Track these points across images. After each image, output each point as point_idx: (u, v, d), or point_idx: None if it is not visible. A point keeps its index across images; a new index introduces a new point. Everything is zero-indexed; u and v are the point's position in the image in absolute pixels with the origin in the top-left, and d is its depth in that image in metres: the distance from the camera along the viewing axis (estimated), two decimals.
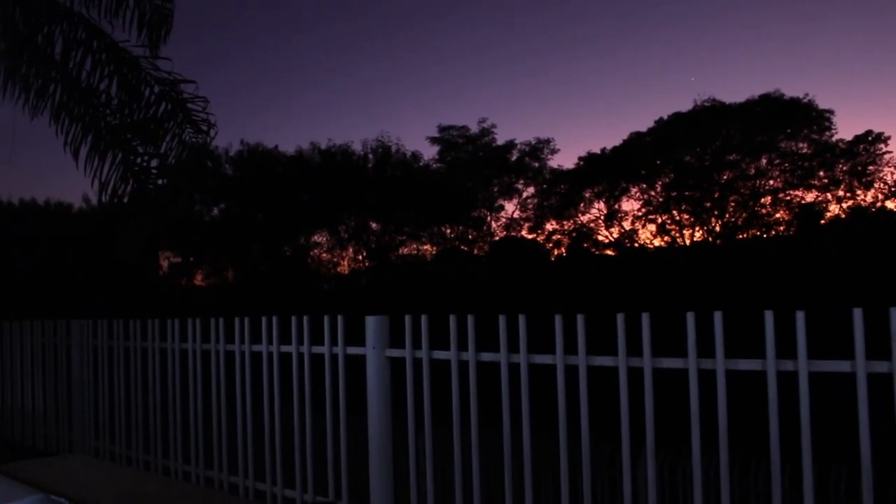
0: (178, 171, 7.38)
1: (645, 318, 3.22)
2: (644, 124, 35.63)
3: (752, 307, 3.46)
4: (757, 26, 40.90)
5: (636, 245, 32.69)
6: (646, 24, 43.43)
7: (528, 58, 46.85)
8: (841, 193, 28.94)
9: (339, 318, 4.51)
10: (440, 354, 4.00)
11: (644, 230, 32.67)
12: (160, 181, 7.32)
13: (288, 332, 4.79)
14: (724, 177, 30.32)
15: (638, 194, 32.21)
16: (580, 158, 33.13)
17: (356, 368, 4.40)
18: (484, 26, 46.55)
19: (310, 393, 4.66)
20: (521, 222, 35.00)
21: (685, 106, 32.27)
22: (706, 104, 30.12)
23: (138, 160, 7.18)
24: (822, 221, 29.28)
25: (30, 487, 2.06)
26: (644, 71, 44.57)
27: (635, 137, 31.61)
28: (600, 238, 33.71)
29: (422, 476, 4.08)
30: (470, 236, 34.96)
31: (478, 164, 34.07)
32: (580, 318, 3.40)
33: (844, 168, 28.60)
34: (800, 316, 2.86)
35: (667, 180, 31.19)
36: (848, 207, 28.87)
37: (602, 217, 33.15)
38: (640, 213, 32.35)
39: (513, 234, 34.80)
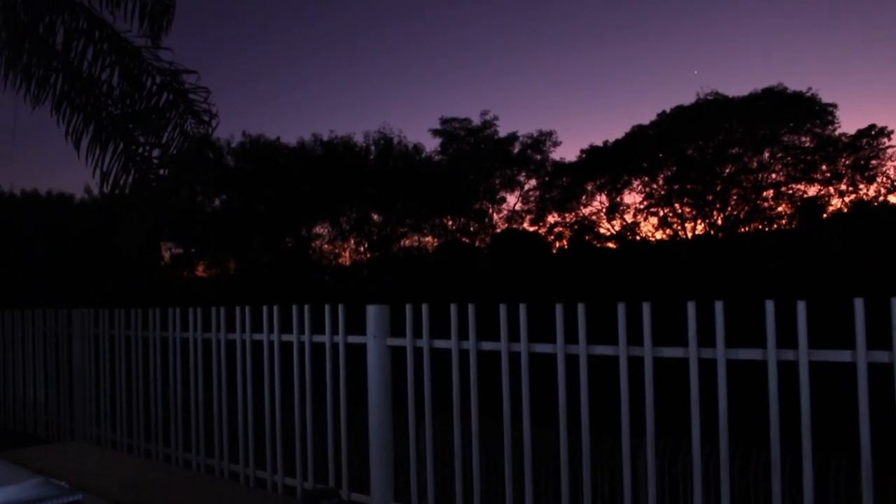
0: (179, 161, 7.37)
1: (646, 308, 3.22)
2: (647, 117, 35.61)
3: (754, 300, 3.45)
4: (760, 20, 40.79)
5: (638, 238, 32.68)
6: (649, 16, 43.32)
7: (530, 50, 46.78)
8: (843, 187, 28.91)
9: (340, 306, 4.51)
10: (441, 343, 4.00)
11: (646, 223, 32.67)
12: (162, 171, 7.31)
13: (289, 322, 4.79)
14: (727, 170, 30.29)
15: (640, 187, 32.20)
16: (582, 151, 33.10)
17: (357, 358, 4.41)
18: (486, 18, 46.48)
19: (311, 382, 4.67)
20: (523, 215, 35.01)
21: (688, 99, 32.21)
22: (709, 97, 30.07)
23: (140, 150, 7.17)
24: (825, 215, 29.25)
25: (30, 471, 2.06)
26: (647, 64, 44.52)
27: (638, 130, 31.56)
28: (602, 231, 33.72)
29: (422, 465, 4.09)
30: (472, 228, 34.97)
31: (480, 156, 34.03)
32: (581, 307, 3.40)
33: (847, 162, 28.55)
34: (801, 305, 2.86)
35: (669, 173, 31.16)
36: (850, 201, 28.84)
37: (604, 210, 33.14)
38: (641, 206, 32.34)
39: (514, 226, 34.80)
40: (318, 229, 34.94)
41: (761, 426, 3.06)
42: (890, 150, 27.79)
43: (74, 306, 6.87)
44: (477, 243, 34.89)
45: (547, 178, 34.21)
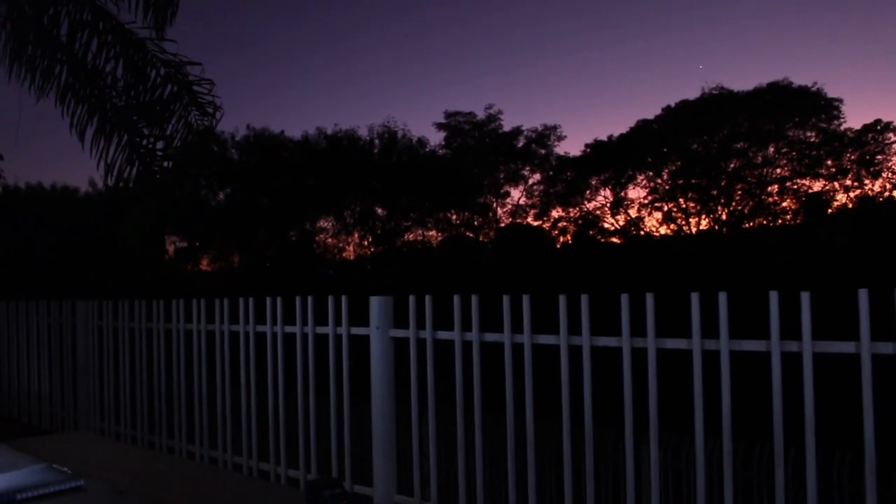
0: (184, 153, 7.37)
1: (649, 298, 3.21)
2: (651, 112, 35.53)
3: (758, 293, 3.45)
4: (766, 14, 40.65)
5: (642, 233, 32.64)
6: (654, 11, 43.20)
7: (535, 44, 46.70)
8: (848, 182, 28.83)
9: (343, 298, 4.51)
10: (444, 334, 4.00)
11: (650, 218, 32.63)
12: (166, 163, 7.31)
13: (292, 313, 4.79)
14: (731, 165, 30.23)
15: (644, 182, 32.15)
16: (587, 145, 33.04)
17: (360, 350, 4.41)
18: (491, 12, 46.38)
19: (314, 373, 4.67)
20: (527, 209, 34.98)
21: (693, 94, 32.17)
22: (714, 92, 29.99)
23: (144, 142, 7.17)
24: (830, 210, 29.18)
25: (33, 458, 2.07)
26: (652, 58, 44.41)
27: (642, 125, 31.50)
28: (606, 225, 33.69)
29: (424, 457, 4.09)
30: (476, 222, 34.96)
31: (484, 150, 34.00)
32: (584, 298, 3.39)
33: (852, 157, 28.46)
34: (805, 297, 2.85)
35: (673, 168, 31.11)
36: (855, 197, 28.76)
37: (608, 204, 33.09)
38: (646, 201, 32.29)
39: (518, 220, 34.78)
40: (323, 223, 34.96)
41: (765, 419, 3.05)
42: (895, 146, 27.69)
43: (79, 299, 6.89)
44: (481, 238, 34.89)
45: (551, 173, 34.17)
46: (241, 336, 5.11)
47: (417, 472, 4.10)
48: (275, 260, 33.56)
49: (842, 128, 28.43)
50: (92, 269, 24.73)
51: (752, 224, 30.40)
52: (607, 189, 32.96)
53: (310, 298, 4.70)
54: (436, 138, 40.45)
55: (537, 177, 34.77)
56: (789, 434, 2.98)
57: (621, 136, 31.93)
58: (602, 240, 33.60)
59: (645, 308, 3.24)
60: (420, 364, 4.11)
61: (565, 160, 33.75)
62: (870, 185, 28.47)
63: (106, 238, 25.12)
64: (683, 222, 31.67)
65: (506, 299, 3.69)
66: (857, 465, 3.42)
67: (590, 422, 3.45)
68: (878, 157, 28.05)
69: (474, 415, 3.86)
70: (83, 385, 6.66)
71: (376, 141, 34.58)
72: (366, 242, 35.06)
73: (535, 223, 34.72)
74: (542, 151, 34.54)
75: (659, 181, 31.71)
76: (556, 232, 34.57)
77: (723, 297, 3.03)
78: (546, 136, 34.31)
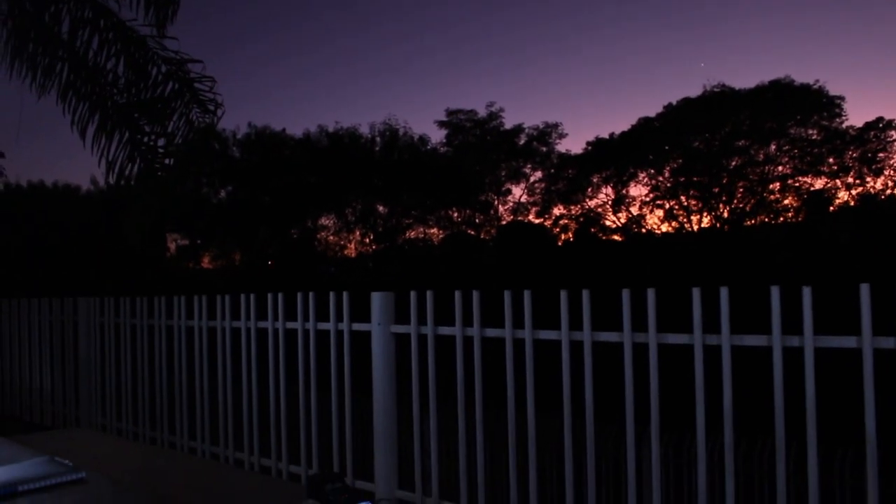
0: (185, 150, 7.38)
1: (650, 294, 3.21)
2: (653, 109, 35.55)
3: (759, 289, 3.45)
4: (768, 12, 40.62)
5: (643, 230, 32.64)
6: (656, 9, 43.16)
7: (536, 42, 46.69)
8: (850, 180, 28.84)
9: (345, 294, 4.52)
10: (445, 330, 4.00)
11: (651, 215, 32.65)
12: (167, 161, 7.31)
13: (293, 310, 4.79)
14: (733, 163, 30.23)
15: (646, 179, 32.17)
16: (588, 143, 33.08)
17: (362, 346, 4.41)
18: (493, 11, 46.35)
19: (315, 369, 4.67)
20: (529, 207, 35.01)
21: (694, 91, 32.15)
22: (716, 90, 29.99)
23: (145, 139, 7.17)
24: (831, 208, 29.17)
25: (35, 451, 2.07)
26: (653, 56, 44.39)
27: (644, 122, 31.50)
28: (608, 223, 33.71)
29: (426, 453, 4.09)
30: (477, 220, 34.97)
31: (485, 147, 34.01)
32: (585, 293, 3.39)
33: (854, 155, 28.46)
34: (806, 291, 2.85)
35: (675, 166, 31.11)
36: (857, 194, 28.75)
37: (609, 202, 33.12)
38: (647, 199, 32.31)
39: (520, 218, 34.80)
40: (324, 221, 35.02)
41: (766, 416, 3.05)
42: None
43: (80, 295, 6.89)
44: (482, 235, 34.90)
45: (553, 171, 34.19)
46: (243, 332, 5.12)
47: (419, 468, 4.11)
48: (276, 258, 33.59)
49: (844, 125, 28.45)
50: (93, 267, 24.76)
51: (753, 222, 30.40)
52: (609, 187, 32.99)
53: (311, 294, 4.70)
54: (437, 136, 40.52)
55: (539, 174, 34.80)
56: (790, 430, 2.98)
57: (623, 133, 31.94)
58: (603, 237, 33.62)
59: (646, 304, 3.23)
60: (421, 360, 4.11)
61: (567, 158, 33.78)
62: (872, 183, 28.48)
63: (107, 236, 25.15)
64: (685, 220, 31.68)
65: (507, 294, 3.69)
66: (859, 461, 3.42)
67: (591, 417, 3.45)
68: (880, 154, 28.07)
69: (475, 410, 3.86)
70: (85, 382, 6.67)
71: (378, 139, 34.62)
72: (367, 240, 35.10)
73: (537, 221, 34.76)
74: (544, 149, 34.57)
75: (660, 179, 31.72)
76: (558, 229, 34.61)
77: (724, 292, 3.03)
78: (547, 133, 34.33)
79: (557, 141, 34.49)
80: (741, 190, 30.29)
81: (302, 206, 32.67)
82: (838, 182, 28.95)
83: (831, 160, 28.84)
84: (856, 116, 35.03)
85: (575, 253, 31.97)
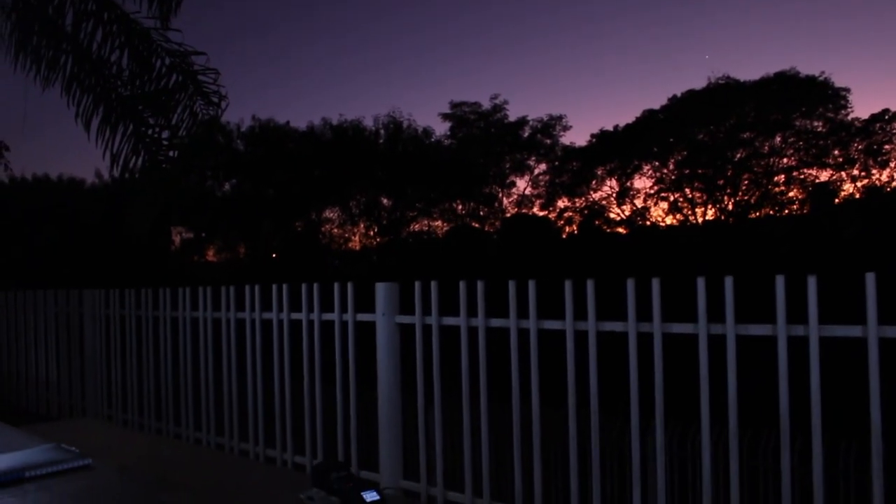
0: (189, 143, 7.38)
1: (655, 284, 3.21)
2: (657, 102, 35.39)
3: (764, 280, 3.44)
4: (773, 3, 40.45)
5: (648, 223, 32.59)
6: (660, 1, 43.01)
7: (541, 34, 46.57)
8: (856, 172, 28.72)
9: (349, 284, 4.52)
10: (449, 320, 4.01)
11: (656, 208, 32.58)
12: (172, 153, 7.32)
13: (298, 301, 4.80)
14: (738, 155, 30.14)
15: (650, 172, 32.09)
16: (592, 135, 32.99)
17: (366, 337, 4.41)
18: (496, 3, 46.24)
19: (320, 360, 4.68)
20: (533, 199, 34.97)
21: (699, 84, 31.99)
22: (720, 82, 29.87)
23: (149, 132, 7.17)
24: (837, 201, 29.07)
25: (41, 439, 2.08)
26: (658, 48, 44.24)
27: (648, 115, 31.40)
28: (612, 216, 33.66)
29: (430, 444, 4.10)
30: (481, 213, 34.95)
31: (489, 140, 33.96)
32: (590, 283, 3.39)
33: (860, 147, 28.34)
34: (811, 280, 2.85)
35: (680, 158, 31.03)
36: (863, 186, 28.65)
37: (614, 195, 33.05)
38: (652, 191, 32.24)
39: (524, 211, 34.77)
40: (328, 213, 35.03)
41: (771, 407, 3.05)
42: None
43: (86, 287, 6.91)
44: (486, 228, 34.89)
45: (557, 163, 34.13)
46: (248, 323, 5.13)
47: (423, 458, 4.11)
48: (281, 251, 33.64)
49: (849, 117, 28.32)
50: (98, 260, 24.83)
51: (758, 214, 30.33)
52: (613, 179, 32.92)
53: (315, 285, 4.70)
54: (441, 128, 40.40)
55: (543, 167, 34.75)
56: (795, 420, 2.98)
57: (627, 126, 31.84)
58: (608, 230, 33.58)
59: (651, 294, 3.23)
60: (426, 350, 4.11)
61: (571, 150, 33.69)
62: (877, 175, 28.37)
63: (112, 229, 25.21)
64: (689, 212, 31.63)
65: (511, 284, 3.69)
66: (864, 453, 3.42)
67: (596, 407, 3.45)
68: (886, 146, 27.93)
69: (480, 400, 3.86)
70: (90, 373, 6.70)
71: (382, 131, 34.59)
72: (371, 233, 35.12)
73: (541, 213, 34.72)
74: (548, 141, 34.50)
75: (665, 171, 31.65)
76: (562, 222, 34.56)
77: (729, 281, 3.03)
78: (552, 126, 34.26)
79: (562, 133, 34.43)
80: (746, 182, 30.21)
81: (306, 198, 32.70)
82: (844, 174, 28.84)
83: (837, 152, 28.73)
84: (861, 108, 34.87)
85: (579, 245, 31.95)
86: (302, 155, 32.58)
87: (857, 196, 28.58)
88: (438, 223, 35.38)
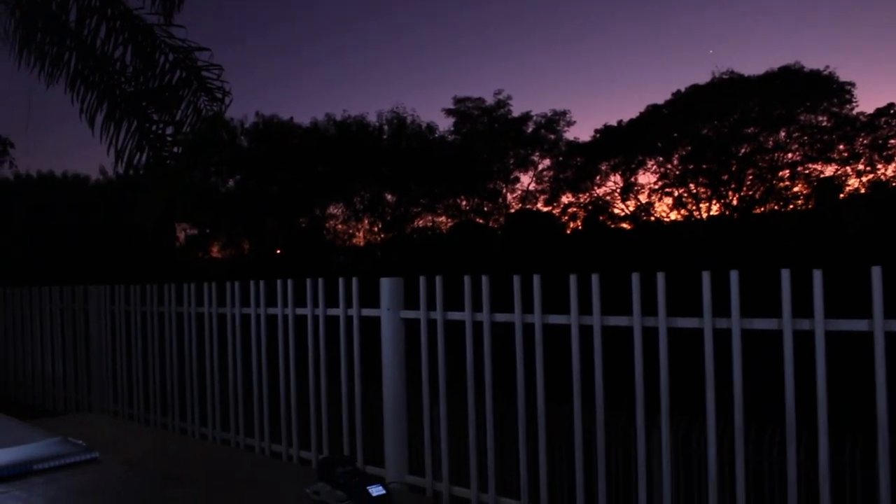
0: (193, 139, 7.39)
1: (660, 278, 3.21)
2: (661, 97, 35.33)
3: (769, 274, 3.43)
4: None
5: (652, 218, 32.54)
6: None
7: (544, 29, 46.48)
8: (861, 167, 28.61)
9: (354, 279, 4.52)
10: (454, 315, 4.01)
11: (660, 203, 32.51)
12: (176, 149, 7.33)
13: (303, 296, 4.80)
14: (742, 150, 30.05)
15: (654, 167, 32.00)
16: (596, 131, 32.90)
17: (371, 332, 4.42)
18: None
19: (325, 355, 4.69)
20: (537, 195, 34.89)
21: (703, 78, 31.89)
22: (724, 76, 29.76)
23: (154, 128, 7.18)
24: (842, 196, 28.98)
25: (48, 432, 2.09)
26: (662, 43, 44.13)
27: (652, 110, 31.31)
28: (616, 211, 33.59)
29: (436, 438, 4.10)
30: (485, 209, 34.92)
31: (493, 136, 33.89)
32: (595, 277, 3.39)
33: (865, 141, 28.22)
34: (817, 274, 2.84)
35: (684, 153, 30.95)
36: (868, 181, 28.55)
37: (618, 190, 32.97)
38: (656, 187, 32.16)
39: (528, 206, 34.72)
40: (332, 209, 35.02)
41: (776, 401, 3.04)
42: None
43: (91, 283, 6.93)
44: (491, 224, 34.86)
45: (561, 158, 34.05)
46: (253, 319, 5.13)
47: (429, 453, 4.12)
48: (285, 247, 33.67)
49: (854, 112, 28.20)
50: (103, 256, 24.88)
51: (763, 209, 30.25)
52: (617, 175, 32.83)
53: (320, 280, 4.71)
54: (445, 124, 40.42)
55: (547, 162, 34.67)
56: (801, 417, 2.97)
57: (631, 121, 31.75)
58: (612, 225, 33.52)
59: (656, 291, 3.23)
60: (431, 345, 4.11)
61: (575, 146, 33.62)
62: (882, 170, 28.24)
63: (117, 226, 25.25)
64: (694, 208, 31.56)
65: (516, 279, 3.69)
66: (870, 447, 3.41)
67: (601, 401, 3.45)
68: (891, 141, 27.80)
69: (485, 395, 3.86)
70: (96, 369, 6.72)
71: (385, 127, 34.54)
72: (376, 229, 35.11)
73: (545, 209, 34.67)
74: (552, 137, 34.42)
75: (669, 166, 31.57)
76: (566, 218, 34.51)
77: (734, 275, 3.02)
78: (555, 121, 34.17)
79: (565, 129, 34.34)
80: (750, 177, 30.12)
81: (310, 194, 32.69)
82: (849, 169, 28.73)
83: (841, 147, 28.62)
84: (866, 103, 34.79)
85: (583, 241, 31.92)
86: (306, 151, 32.57)
87: (863, 191, 28.48)
88: (442, 219, 35.37)
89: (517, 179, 35.15)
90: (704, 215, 31.19)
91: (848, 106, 28.23)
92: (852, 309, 2.93)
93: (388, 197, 34.51)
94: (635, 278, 3.28)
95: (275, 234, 34.11)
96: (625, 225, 33.39)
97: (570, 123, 34.25)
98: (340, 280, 4.57)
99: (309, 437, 4.79)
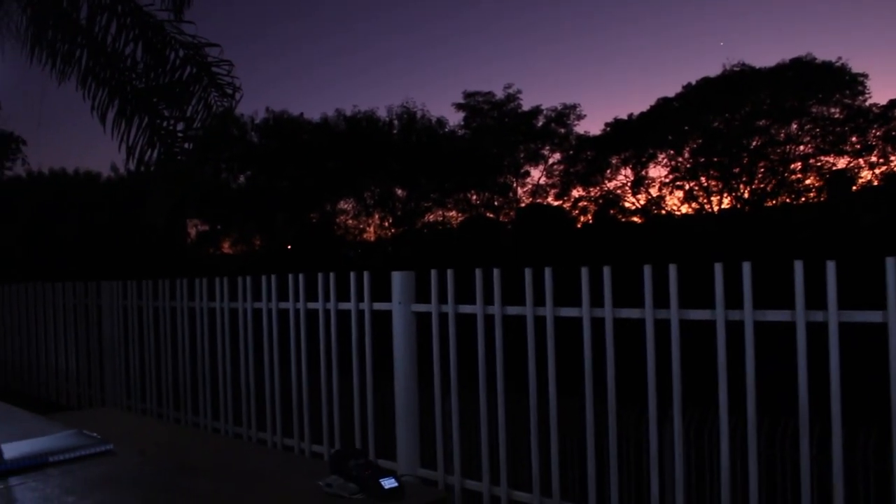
0: (204, 134, 7.41)
1: (672, 270, 3.19)
2: (672, 90, 35.21)
3: (782, 266, 3.42)
4: None
5: (663, 212, 32.45)
6: None
7: (554, 23, 46.35)
8: (874, 159, 28.43)
9: (365, 273, 4.52)
10: (466, 308, 4.00)
11: (671, 197, 32.43)
12: (187, 145, 7.35)
13: (314, 290, 4.81)
14: (754, 143, 29.92)
15: (665, 161, 31.93)
16: (607, 124, 32.85)
17: (382, 326, 4.42)
18: None
19: (336, 349, 4.70)
20: (547, 189, 34.89)
21: (714, 71, 31.74)
22: (735, 69, 29.63)
23: (164, 124, 7.21)
24: (854, 188, 28.82)
25: (63, 425, 2.11)
26: (672, 36, 43.91)
27: (663, 103, 31.21)
28: (627, 205, 33.53)
29: (447, 433, 4.11)
30: (496, 203, 34.92)
31: (503, 130, 33.88)
32: (606, 270, 3.38)
33: (878, 133, 28.05)
34: (830, 266, 2.82)
35: (695, 146, 30.85)
36: (881, 174, 28.36)
37: (629, 184, 32.90)
38: (667, 180, 32.08)
39: (539, 200, 34.70)
40: (343, 205, 35.10)
41: (788, 394, 3.03)
42: None
43: (103, 279, 6.96)
44: (501, 218, 34.85)
45: (571, 152, 34.02)
46: (264, 313, 5.15)
47: (440, 446, 4.12)
48: (296, 242, 33.75)
49: (867, 103, 28.02)
50: (115, 252, 25.01)
51: (774, 202, 30.11)
52: (628, 168, 32.77)
53: (332, 275, 4.71)
54: (455, 119, 40.39)
55: (557, 156, 34.66)
56: (814, 409, 2.96)
57: (642, 114, 31.66)
58: (623, 219, 33.46)
59: (668, 282, 3.22)
60: (442, 338, 4.11)
61: (585, 139, 33.57)
62: None
63: (128, 222, 25.37)
64: (705, 201, 31.45)
65: (528, 272, 3.69)
66: (883, 441, 3.38)
67: (612, 394, 3.44)
68: None
69: (497, 388, 3.86)
70: (109, 364, 6.75)
71: (395, 122, 34.59)
72: (386, 224, 35.16)
73: (556, 203, 34.64)
74: (562, 131, 34.39)
75: (680, 160, 31.47)
76: (577, 212, 34.48)
77: (747, 267, 3.01)
78: (565, 115, 34.14)
79: (576, 122, 34.32)
80: (762, 170, 29.99)
81: (320, 190, 32.77)
82: (861, 161, 28.57)
83: (854, 139, 28.45)
84: (879, 94, 34.57)
85: (594, 235, 31.86)
86: (316, 146, 32.63)
87: (876, 183, 28.30)
88: (453, 214, 35.41)
89: (527, 173, 35.16)
90: (716, 208, 31.09)
91: (861, 97, 28.07)
92: (866, 301, 2.91)
93: (399, 192, 34.57)
94: (647, 270, 3.26)
95: (285, 230, 34.19)
96: (636, 219, 33.34)
97: (580, 117, 34.25)
98: (352, 274, 4.57)
99: (321, 431, 4.80)
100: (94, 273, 9.18)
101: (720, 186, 30.87)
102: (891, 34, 38.34)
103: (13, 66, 7.08)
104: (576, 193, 34.21)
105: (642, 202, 33.01)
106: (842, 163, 28.99)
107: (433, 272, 4.08)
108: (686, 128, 30.58)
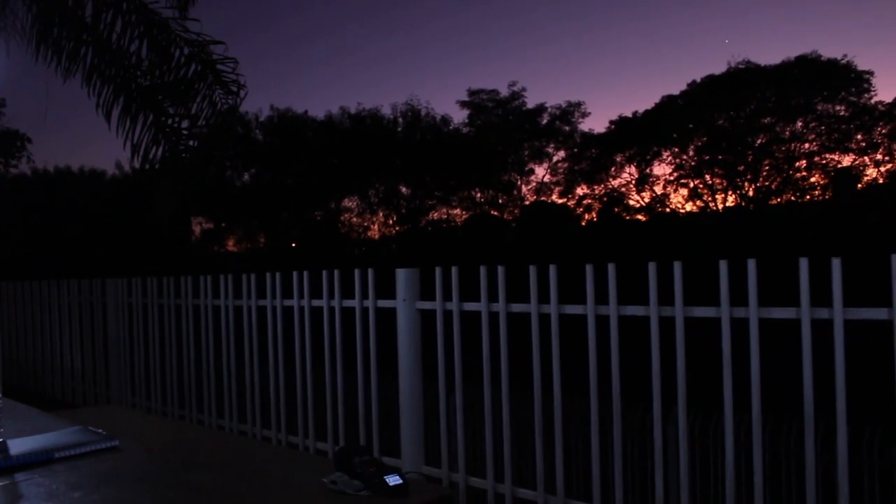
0: (209, 132, 7.41)
1: (677, 267, 3.19)
2: (676, 87, 35.23)
3: (786, 264, 3.41)
4: None
5: (668, 210, 32.41)
6: None
7: (559, 21, 46.30)
8: (879, 157, 28.37)
9: (370, 271, 4.53)
10: (470, 306, 4.00)
11: (676, 195, 32.41)
12: (191, 143, 7.36)
13: (319, 288, 4.81)
14: (759, 140, 29.88)
15: (670, 158, 31.92)
16: (611, 122, 32.85)
17: (387, 323, 4.42)
18: None
19: (341, 347, 4.70)
20: (552, 187, 34.90)
21: (719, 69, 31.77)
22: (740, 66, 29.59)
23: (169, 122, 7.22)
24: (859, 186, 28.76)
25: (69, 422, 2.11)
26: (677, 33, 43.85)
27: (667, 101, 31.18)
28: (631, 203, 33.51)
29: (452, 431, 4.11)
30: (500, 201, 34.91)
31: (508, 127, 33.88)
32: (611, 267, 3.38)
33: (883, 131, 27.99)
34: (836, 262, 2.81)
35: (699, 144, 30.81)
36: (886, 171, 28.29)
37: (633, 181, 32.88)
38: (671, 178, 32.05)
39: (543, 198, 34.69)
40: (347, 202, 35.16)
41: (793, 392, 3.02)
42: None
43: (108, 276, 6.98)
44: (506, 216, 34.85)
45: (576, 150, 34.03)
46: (269, 311, 5.15)
47: (445, 444, 4.12)
48: (300, 240, 33.79)
49: (872, 101, 27.96)
50: (120, 249, 25.06)
51: (779, 200, 30.07)
52: (632, 166, 32.76)
53: (336, 272, 4.71)
54: (459, 116, 40.42)
55: (562, 154, 34.68)
56: (819, 407, 2.95)
57: (646, 112, 31.64)
58: (627, 217, 33.44)
59: (672, 279, 3.21)
60: (447, 335, 4.11)
61: (590, 137, 33.58)
62: None
63: (133, 219, 25.43)
64: (710, 199, 31.40)
65: (532, 269, 3.69)
66: (889, 439, 3.38)
67: (617, 391, 3.44)
68: None
69: (501, 386, 3.86)
70: (114, 361, 6.77)
71: (400, 119, 34.62)
72: (391, 221, 35.19)
73: (560, 201, 34.65)
74: (567, 128, 34.40)
75: (685, 157, 31.44)
76: (581, 209, 34.48)
77: (752, 264, 3.00)
78: (570, 112, 34.14)
79: (580, 120, 34.33)
80: (767, 168, 29.95)
81: (325, 188, 32.80)
82: (867, 159, 28.53)
83: (859, 136, 28.39)
84: (885, 91, 34.40)
85: (599, 233, 31.84)
86: (320, 144, 32.67)
87: (881, 181, 28.24)
88: (457, 211, 35.44)
89: (532, 171, 35.18)
90: (720, 206, 31.05)
91: (866, 95, 28.02)
92: (872, 298, 2.90)
93: (403, 189, 34.60)
94: (652, 268, 3.26)
95: (290, 228, 34.24)
96: (640, 216, 33.31)
97: (584, 115, 34.26)
98: (356, 271, 4.57)
99: (325, 428, 4.81)
100: (100, 271, 9.21)
101: (725, 184, 30.83)
102: None
103: (18, 64, 7.10)
104: (580, 191, 34.25)
105: (647, 200, 33.01)
106: (847, 160, 28.97)
107: (438, 270, 4.08)
108: (691, 125, 30.55)
